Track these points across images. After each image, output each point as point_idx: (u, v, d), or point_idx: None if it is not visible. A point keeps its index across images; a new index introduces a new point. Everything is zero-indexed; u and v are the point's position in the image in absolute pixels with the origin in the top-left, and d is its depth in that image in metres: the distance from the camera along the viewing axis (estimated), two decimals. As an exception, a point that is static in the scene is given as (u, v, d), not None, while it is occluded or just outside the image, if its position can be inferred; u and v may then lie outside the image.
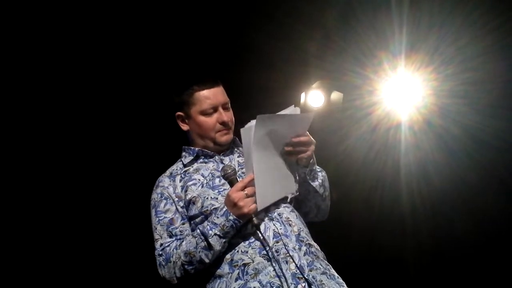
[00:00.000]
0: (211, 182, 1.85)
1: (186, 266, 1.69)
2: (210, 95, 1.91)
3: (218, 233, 1.65)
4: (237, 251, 1.68)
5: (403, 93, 4.30)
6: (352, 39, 3.85)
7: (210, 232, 1.66)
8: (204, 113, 1.90)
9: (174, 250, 1.72)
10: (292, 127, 1.71)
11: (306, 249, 1.71)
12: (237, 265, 1.65)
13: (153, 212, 1.86)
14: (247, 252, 1.67)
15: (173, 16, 3.52)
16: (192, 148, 1.98)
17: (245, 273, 1.63)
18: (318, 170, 1.93)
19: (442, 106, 4.19)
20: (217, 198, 1.78)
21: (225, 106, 1.95)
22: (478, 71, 3.87)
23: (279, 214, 1.76)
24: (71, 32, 3.37)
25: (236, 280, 1.63)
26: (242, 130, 1.68)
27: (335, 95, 4.54)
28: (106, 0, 3.26)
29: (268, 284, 1.58)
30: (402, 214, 4.61)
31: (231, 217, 1.65)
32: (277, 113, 1.71)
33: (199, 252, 1.67)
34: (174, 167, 2.00)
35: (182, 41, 3.65)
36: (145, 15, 3.45)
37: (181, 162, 1.99)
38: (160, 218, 1.81)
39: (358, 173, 4.52)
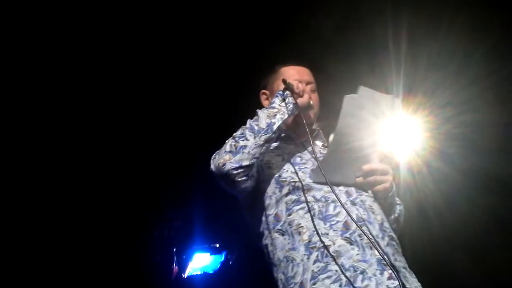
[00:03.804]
0: (291, 159, 1.80)
1: (236, 138, 1.65)
2: (295, 72, 1.94)
3: (267, 106, 1.73)
4: (316, 233, 1.56)
5: (401, 135, 4.29)
6: (350, 81, 3.86)
7: (262, 109, 1.74)
8: None
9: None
10: (384, 109, 1.66)
11: (388, 240, 1.60)
12: (315, 247, 1.53)
13: None
14: (327, 234, 1.55)
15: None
16: None
17: (324, 256, 1.51)
18: (397, 202, 1.86)
19: (441, 148, 4.18)
20: (296, 173, 1.72)
21: (310, 85, 1.94)
22: (476, 113, 3.87)
23: (361, 201, 1.67)
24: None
25: (315, 262, 1.50)
26: (346, 96, 1.61)
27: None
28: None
29: (352, 268, 1.47)
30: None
31: (278, 91, 1.76)
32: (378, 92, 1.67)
33: (250, 123, 1.69)
34: None
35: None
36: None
37: None
38: None
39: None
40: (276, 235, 1.64)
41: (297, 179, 1.69)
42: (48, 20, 3.23)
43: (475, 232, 4.21)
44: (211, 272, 5.83)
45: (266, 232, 1.69)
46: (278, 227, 1.64)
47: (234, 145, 1.63)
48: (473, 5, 3.35)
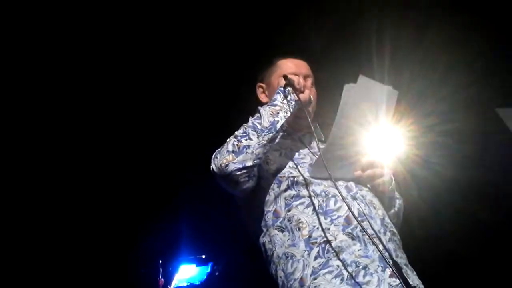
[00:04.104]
0: (289, 154, 1.76)
1: (239, 137, 1.58)
2: (293, 65, 1.89)
3: (268, 104, 1.66)
4: (317, 228, 1.52)
5: (385, 144, 4.31)
6: (333, 90, 3.88)
7: (263, 106, 1.66)
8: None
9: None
10: (383, 102, 1.65)
11: (390, 236, 1.58)
12: (316, 242, 1.50)
13: None
14: (329, 229, 1.51)
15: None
16: None
17: (326, 251, 1.47)
18: (397, 197, 1.84)
19: (424, 157, 4.21)
20: (295, 168, 1.68)
21: (308, 79, 1.89)
22: (458, 123, 3.92)
23: (362, 196, 1.64)
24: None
25: (316, 258, 1.47)
26: (345, 85, 1.59)
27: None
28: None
29: (353, 264, 1.44)
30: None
31: (279, 87, 1.68)
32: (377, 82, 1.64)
33: (252, 121, 1.62)
34: None
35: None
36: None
37: None
38: None
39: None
40: (275, 232, 1.59)
41: (295, 174, 1.65)
42: (48, 20, 3.21)
43: (459, 240, 4.24)
44: (197, 283, 5.78)
45: (264, 230, 1.65)
46: (278, 223, 1.60)
47: (237, 144, 1.57)
48: (456, 18, 3.41)
